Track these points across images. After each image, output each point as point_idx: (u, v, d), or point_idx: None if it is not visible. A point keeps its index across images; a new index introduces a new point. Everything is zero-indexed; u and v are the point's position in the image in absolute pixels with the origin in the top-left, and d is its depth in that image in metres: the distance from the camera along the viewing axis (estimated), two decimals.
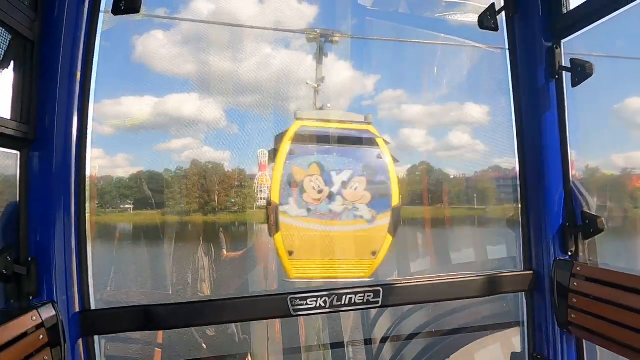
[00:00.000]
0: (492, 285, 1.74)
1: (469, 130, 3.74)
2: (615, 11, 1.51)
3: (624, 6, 1.48)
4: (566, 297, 1.59)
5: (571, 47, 1.75)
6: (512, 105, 1.84)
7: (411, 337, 2.70)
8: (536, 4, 1.67)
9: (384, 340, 2.79)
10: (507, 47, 1.81)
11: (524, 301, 1.79)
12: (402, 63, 3.60)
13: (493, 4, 1.76)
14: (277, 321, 2.70)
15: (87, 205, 1.43)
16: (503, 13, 1.78)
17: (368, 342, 2.88)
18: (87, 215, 1.43)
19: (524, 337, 1.78)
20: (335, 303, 1.53)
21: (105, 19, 1.48)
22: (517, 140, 1.83)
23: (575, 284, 1.57)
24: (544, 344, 1.69)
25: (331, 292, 1.53)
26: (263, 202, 3.37)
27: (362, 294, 1.56)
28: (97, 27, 1.43)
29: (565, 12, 1.62)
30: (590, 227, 1.62)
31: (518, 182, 1.84)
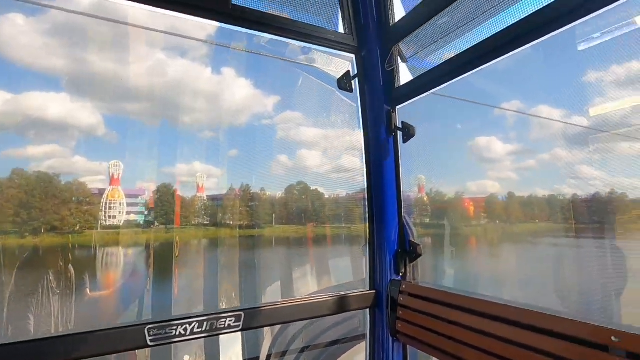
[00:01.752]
0: (342, 304, 2.03)
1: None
2: (434, 88, 2.06)
3: (440, 85, 2.03)
4: (395, 311, 1.98)
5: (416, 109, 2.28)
6: (364, 153, 2.27)
7: (284, 354, 2.85)
8: (378, 77, 2.14)
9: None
10: (359, 106, 2.25)
11: (368, 316, 2.13)
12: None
13: (348, 72, 2.19)
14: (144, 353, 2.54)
15: None
16: (357, 79, 2.23)
17: None
18: None
19: (367, 348, 2.11)
20: (195, 330, 1.60)
21: None
22: (367, 181, 2.24)
23: (401, 299, 1.97)
24: (380, 353, 2.03)
25: (191, 319, 1.59)
26: (112, 222, 3.17)
27: (224, 319, 1.66)
28: None
29: (397, 86, 2.12)
30: (413, 252, 2.07)
31: (367, 216, 2.23)
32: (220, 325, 1.64)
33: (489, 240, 3.67)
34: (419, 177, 3.09)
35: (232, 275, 3.09)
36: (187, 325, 1.58)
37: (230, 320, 1.67)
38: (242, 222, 3.47)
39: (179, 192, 3.44)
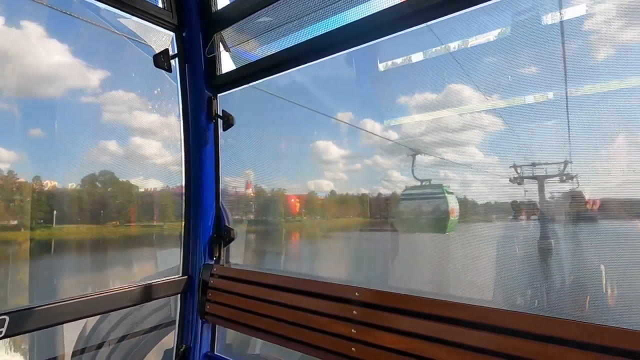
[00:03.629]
0: (150, 292, 1.96)
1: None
2: (256, 81, 2.17)
3: (261, 79, 2.14)
4: (205, 293, 2.04)
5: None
6: (182, 137, 2.21)
7: (99, 346, 2.55)
8: (199, 61, 2.11)
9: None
10: (179, 87, 2.17)
11: (179, 302, 2.13)
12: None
13: (167, 50, 2.07)
14: None
15: None
16: (177, 60, 2.14)
17: None
18: None
19: (175, 333, 2.11)
20: None
21: None
22: (185, 167, 2.20)
23: (212, 281, 2.04)
24: (189, 336, 2.07)
25: None
26: None
27: None
28: None
29: (219, 74, 2.15)
30: (227, 237, 2.17)
31: (183, 203, 2.20)
32: None
33: (309, 232, 4.14)
34: (246, 173, 3.22)
35: None
36: None
37: None
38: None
39: None
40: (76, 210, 2.85)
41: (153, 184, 3.01)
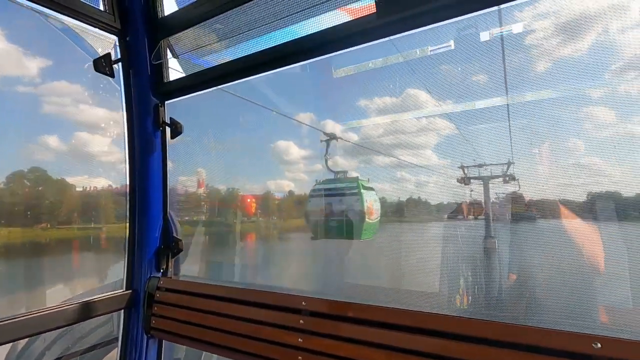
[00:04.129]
0: (90, 310, 1.85)
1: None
2: (207, 89, 2.13)
3: (212, 87, 2.11)
4: (151, 308, 1.97)
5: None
6: (127, 145, 2.12)
7: None
8: (145, 67, 2.05)
9: None
10: (123, 93, 2.08)
11: (122, 318, 2.03)
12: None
13: (109, 54, 1.99)
14: None
15: None
16: (121, 65, 2.05)
17: None
18: None
19: (118, 351, 2.01)
20: None
21: None
22: (129, 176, 2.11)
23: (158, 295, 1.98)
24: (133, 353, 1.98)
25: None
26: None
27: None
28: None
29: (166, 81, 2.09)
30: (175, 248, 2.11)
31: (127, 213, 2.11)
32: None
33: (262, 235, 4.10)
34: (198, 171, 3.14)
35: None
36: None
37: None
38: None
39: None
40: None
41: (94, 183, 2.80)
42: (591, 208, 2.16)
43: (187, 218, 3.15)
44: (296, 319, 1.53)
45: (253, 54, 1.88)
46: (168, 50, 2.10)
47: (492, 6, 1.42)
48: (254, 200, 4.12)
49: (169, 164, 2.19)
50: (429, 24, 1.47)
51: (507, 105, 2.34)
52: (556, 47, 2.10)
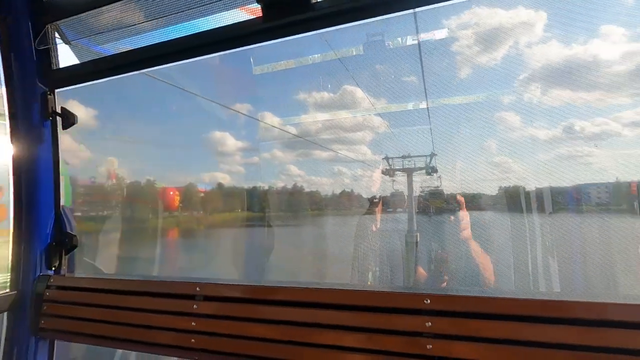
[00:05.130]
0: None
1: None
2: (103, 78, 2.04)
3: (109, 77, 2.04)
4: (40, 307, 1.87)
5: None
6: (9, 135, 1.96)
7: None
8: (30, 53, 1.91)
9: None
10: (2, 78, 1.92)
11: (5, 320, 1.89)
12: None
13: None
14: None
15: None
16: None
17: None
18: None
19: (1, 355, 1.88)
20: None
21: None
22: (13, 172, 1.96)
23: (48, 294, 1.88)
24: (20, 356, 1.86)
25: None
26: None
27: None
28: None
29: (55, 68, 1.98)
30: (69, 244, 2.02)
31: (11, 210, 1.96)
32: None
33: (184, 230, 3.99)
34: (109, 160, 2.98)
35: None
36: None
37: None
38: None
39: None
40: None
41: None
42: (501, 200, 2.54)
43: (92, 213, 2.98)
44: (190, 304, 1.58)
45: (155, 44, 1.87)
46: (57, 35, 1.98)
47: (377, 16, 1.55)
48: (177, 193, 3.96)
49: (64, 154, 2.08)
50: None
51: (428, 108, 2.66)
52: (476, 55, 2.44)
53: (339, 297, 1.37)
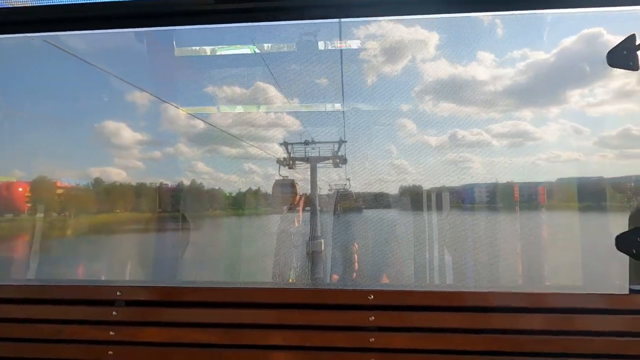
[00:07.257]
0: None
1: None
2: None
3: None
4: None
5: None
6: None
7: None
8: None
9: None
10: None
11: None
12: None
13: None
14: None
15: None
16: None
17: None
18: None
19: None
20: None
21: None
22: None
23: None
24: None
25: None
26: None
27: None
28: None
29: None
30: None
31: None
32: None
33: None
34: None
35: None
36: None
37: None
38: None
39: None
40: None
41: None
42: (399, 200, 2.88)
43: None
44: (109, 311, 1.44)
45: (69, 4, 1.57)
46: None
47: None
48: (27, 189, 3.12)
49: None
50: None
51: (343, 112, 2.85)
52: (381, 64, 2.70)
53: (271, 296, 1.42)
